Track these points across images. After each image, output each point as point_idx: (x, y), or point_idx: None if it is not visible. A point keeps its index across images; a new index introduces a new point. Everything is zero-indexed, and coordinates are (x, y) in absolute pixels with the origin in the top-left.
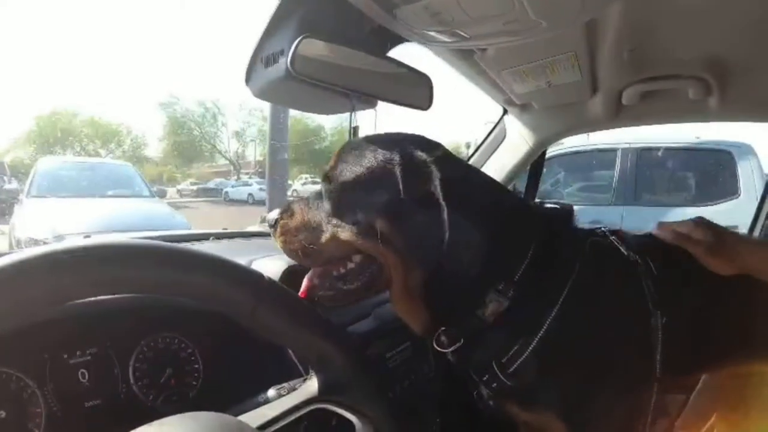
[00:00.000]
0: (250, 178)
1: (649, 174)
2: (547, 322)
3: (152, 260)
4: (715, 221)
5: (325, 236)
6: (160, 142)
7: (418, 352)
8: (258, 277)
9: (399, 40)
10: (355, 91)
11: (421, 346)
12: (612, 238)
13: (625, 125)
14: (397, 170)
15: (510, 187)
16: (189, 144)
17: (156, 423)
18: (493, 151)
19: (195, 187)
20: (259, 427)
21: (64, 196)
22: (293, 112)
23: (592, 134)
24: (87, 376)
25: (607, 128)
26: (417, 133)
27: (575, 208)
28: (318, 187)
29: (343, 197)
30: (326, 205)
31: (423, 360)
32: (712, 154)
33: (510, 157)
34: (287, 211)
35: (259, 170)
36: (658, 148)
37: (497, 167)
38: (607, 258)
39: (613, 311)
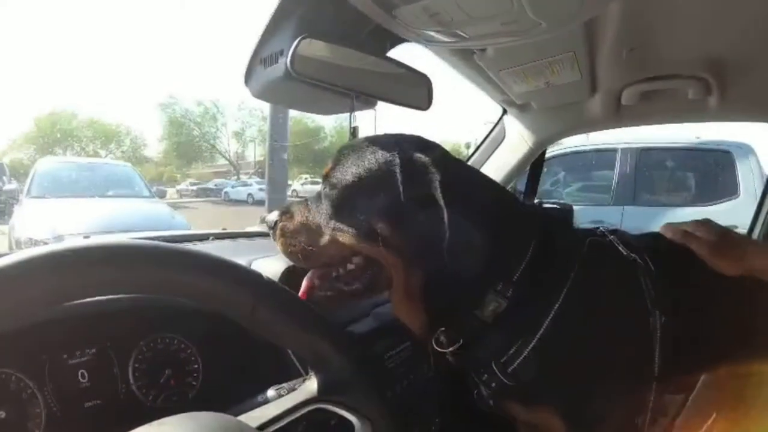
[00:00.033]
0: (249, 178)
1: (649, 174)
2: (546, 322)
3: (152, 261)
4: (714, 221)
5: (324, 238)
6: (159, 142)
7: (418, 352)
8: (257, 277)
9: (398, 40)
10: (355, 92)
11: (421, 346)
12: (611, 237)
13: (625, 125)
14: (397, 172)
15: (510, 188)
16: (188, 144)
17: (155, 423)
18: (493, 152)
19: (195, 188)
20: (258, 427)
21: (63, 196)
22: (293, 113)
23: (591, 134)
24: (86, 377)
25: (606, 128)
26: (416, 133)
27: (575, 208)
28: (318, 187)
29: (343, 199)
30: (325, 207)
31: (422, 360)
32: (711, 154)
33: (509, 157)
34: (286, 212)
35: (259, 170)
36: (657, 148)
37: (497, 167)
38: (605, 257)
39: (612, 310)
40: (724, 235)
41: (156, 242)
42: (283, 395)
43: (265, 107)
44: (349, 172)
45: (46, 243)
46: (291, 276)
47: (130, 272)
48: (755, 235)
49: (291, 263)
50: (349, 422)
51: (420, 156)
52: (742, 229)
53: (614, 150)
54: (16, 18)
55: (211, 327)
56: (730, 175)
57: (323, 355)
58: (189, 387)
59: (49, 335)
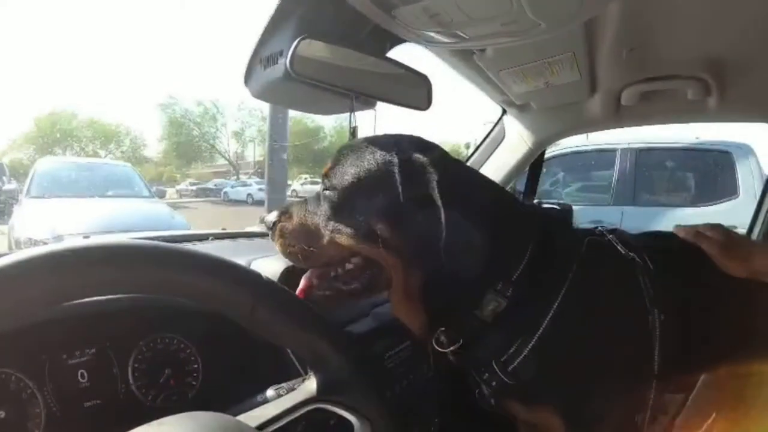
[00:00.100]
0: (249, 178)
1: (648, 174)
2: (546, 322)
3: (151, 260)
4: (713, 221)
5: (323, 239)
6: (159, 142)
7: (417, 352)
8: (257, 277)
9: (398, 40)
10: (355, 92)
11: (420, 346)
12: (609, 237)
13: (625, 125)
14: (395, 172)
15: (509, 188)
16: (188, 144)
17: (155, 423)
18: (492, 152)
19: (194, 188)
20: (257, 426)
21: (63, 196)
22: (292, 113)
23: (591, 134)
24: (86, 376)
25: (606, 128)
26: (415, 134)
27: (574, 208)
28: (317, 187)
29: (342, 200)
30: (324, 208)
31: (421, 360)
32: (711, 154)
33: (509, 157)
34: (285, 213)
35: (259, 170)
36: (657, 149)
37: (496, 167)
38: (604, 256)
39: (611, 309)
40: (733, 236)
41: (155, 242)
42: (282, 395)
43: (265, 107)
44: (348, 173)
45: (45, 243)
46: (290, 276)
47: (129, 272)
48: (755, 234)
49: (290, 263)
50: (349, 422)
51: (418, 156)
52: (742, 229)
53: (614, 150)
54: (16, 18)
55: (210, 327)
56: (730, 176)
57: (322, 355)
58: (189, 387)
59: (49, 335)
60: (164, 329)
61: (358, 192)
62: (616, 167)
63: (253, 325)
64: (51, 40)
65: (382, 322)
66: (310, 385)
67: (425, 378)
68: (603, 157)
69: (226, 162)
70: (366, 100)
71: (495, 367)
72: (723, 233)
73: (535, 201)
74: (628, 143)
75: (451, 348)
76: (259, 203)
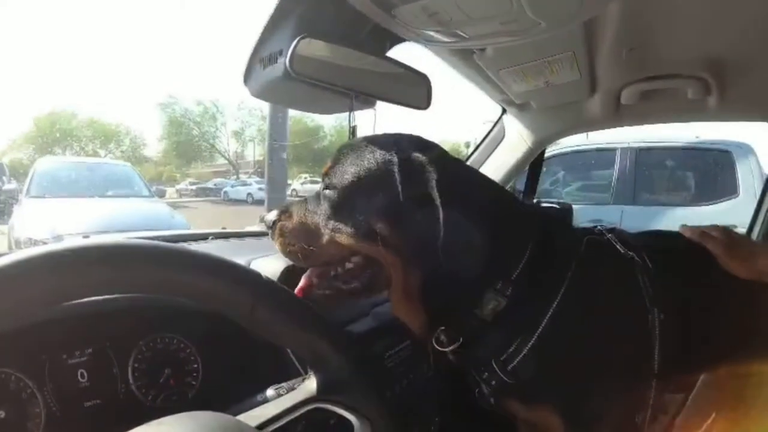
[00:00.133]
0: (249, 177)
1: (648, 173)
2: (545, 321)
3: (151, 260)
4: (713, 220)
5: (323, 238)
6: (159, 142)
7: (417, 351)
8: (256, 276)
9: (398, 39)
10: (354, 91)
11: (420, 346)
12: (608, 236)
13: (624, 125)
14: (395, 171)
15: (509, 187)
16: (188, 144)
17: (155, 422)
18: (492, 151)
19: (194, 187)
20: (257, 426)
21: (63, 196)
22: (292, 112)
23: (591, 133)
24: (86, 376)
25: (606, 128)
26: (414, 133)
27: (574, 207)
28: (317, 186)
29: (341, 199)
30: (324, 207)
31: (421, 359)
32: (711, 153)
33: (509, 156)
34: (285, 212)
35: (259, 170)
36: (657, 148)
37: (496, 167)
38: (603, 256)
39: (610, 308)
40: (737, 237)
41: (155, 242)
42: (282, 395)
43: (265, 107)
44: (347, 172)
45: (45, 243)
46: (290, 275)
47: (128, 272)
48: (755, 234)
49: (290, 263)
50: (349, 422)
51: (418, 155)
52: (742, 229)
53: (614, 149)
54: (16, 18)
55: (210, 327)
56: (730, 175)
57: (322, 355)
58: (188, 387)
59: (49, 335)
60: (164, 329)
61: (358, 191)
62: (616, 166)
63: (253, 324)
64: (51, 40)
65: (382, 321)
66: (310, 385)
67: (425, 378)
68: (603, 156)
69: (226, 161)
70: (366, 99)
71: (494, 366)
72: (727, 234)
73: (535, 200)
74: (628, 142)
75: (451, 347)
76: (259, 203)
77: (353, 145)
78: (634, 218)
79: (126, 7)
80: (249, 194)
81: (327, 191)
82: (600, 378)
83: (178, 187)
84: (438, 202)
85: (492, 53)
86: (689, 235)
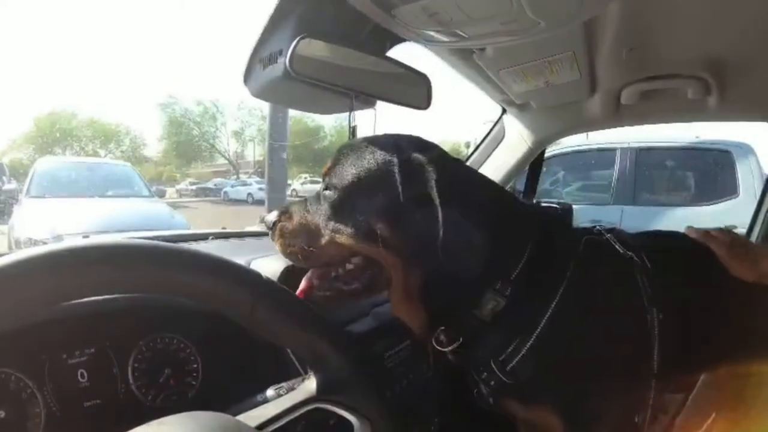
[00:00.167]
0: (249, 177)
1: (648, 173)
2: (543, 321)
3: (151, 260)
4: (713, 221)
5: (323, 239)
6: (159, 142)
7: (417, 351)
8: (256, 276)
9: (398, 39)
10: (354, 91)
11: (420, 346)
12: (607, 236)
13: (624, 125)
14: (395, 172)
15: (509, 187)
16: (188, 144)
17: (155, 422)
18: (492, 151)
19: (194, 187)
20: (257, 426)
21: (63, 196)
22: (292, 112)
23: (591, 133)
24: (86, 376)
25: (606, 128)
26: (413, 133)
27: (574, 207)
28: (318, 187)
29: (342, 200)
30: (325, 208)
31: (421, 359)
32: (711, 153)
33: (509, 156)
34: (285, 213)
35: (259, 170)
36: (657, 148)
37: (496, 167)
38: (602, 256)
39: (608, 308)
40: (742, 240)
41: (155, 242)
42: (282, 395)
43: (265, 107)
44: (347, 173)
45: (45, 243)
46: (290, 275)
47: (128, 272)
48: (754, 234)
49: (290, 263)
50: (348, 422)
51: (417, 156)
52: (742, 229)
53: (614, 149)
54: (16, 18)
55: (210, 327)
56: (730, 175)
57: (322, 355)
58: (188, 387)
59: (49, 335)
60: (164, 329)
61: (358, 192)
62: (616, 166)
63: (253, 324)
64: (51, 39)
65: (382, 321)
66: (309, 385)
67: (425, 378)
68: (603, 156)
69: (226, 161)
70: (366, 99)
71: (493, 366)
72: (731, 236)
73: (535, 200)
74: (628, 142)
75: (451, 347)
76: (259, 203)
77: (353, 145)
78: (634, 218)
79: (126, 7)
80: (249, 194)
81: (327, 192)
82: (599, 378)
83: (178, 187)
84: (437, 202)
85: (492, 53)
86: (694, 236)
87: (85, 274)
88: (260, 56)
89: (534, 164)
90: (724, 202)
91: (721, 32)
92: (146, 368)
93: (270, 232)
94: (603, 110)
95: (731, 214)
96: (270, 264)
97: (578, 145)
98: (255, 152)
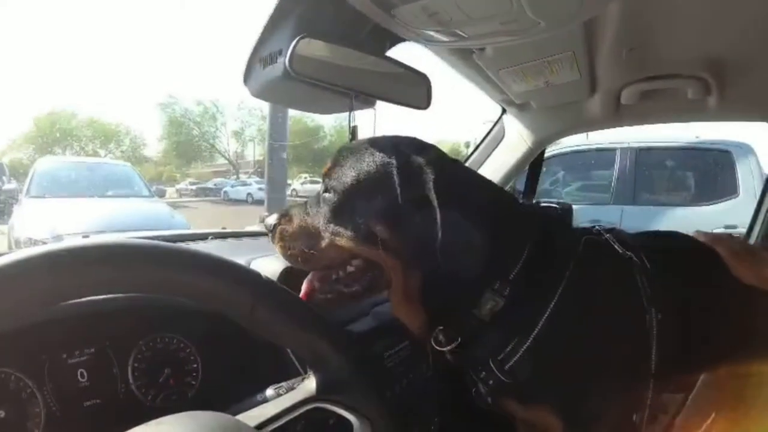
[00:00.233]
0: (249, 177)
1: (648, 173)
2: (542, 321)
3: (151, 260)
4: (713, 221)
5: (323, 241)
6: (159, 142)
7: (417, 351)
8: (256, 276)
9: (397, 39)
10: (354, 91)
11: (420, 346)
12: (606, 236)
13: (624, 124)
14: (394, 174)
15: (509, 187)
16: (188, 144)
17: (154, 422)
18: (492, 151)
19: (194, 187)
20: (257, 426)
21: (62, 196)
22: (292, 112)
23: (591, 133)
24: (86, 376)
25: (606, 128)
26: (413, 135)
27: (574, 207)
28: (318, 187)
29: (341, 202)
30: (324, 210)
31: (421, 359)
32: (711, 153)
33: (509, 156)
34: (285, 216)
35: (258, 170)
36: (657, 148)
37: (496, 167)
38: (601, 256)
39: (607, 308)
40: (747, 244)
41: (155, 242)
42: (281, 394)
43: (265, 106)
44: (347, 176)
45: (45, 243)
46: (289, 275)
47: (128, 272)
48: (754, 234)
49: None
50: (348, 421)
51: (416, 158)
52: (742, 229)
53: (614, 149)
54: (16, 18)
55: (210, 327)
56: (730, 175)
57: (322, 355)
58: (188, 386)
59: (49, 335)
60: (164, 329)
61: (357, 194)
62: (616, 166)
63: (253, 324)
64: (51, 39)
65: (381, 321)
66: (309, 385)
67: (425, 377)
68: (603, 156)
69: (226, 161)
70: (365, 99)
71: (492, 365)
72: (738, 240)
73: (535, 200)
74: (628, 142)
75: (450, 347)
76: (259, 202)
77: (352, 148)
78: (634, 218)
79: (126, 7)
80: (249, 194)
81: (326, 195)
82: (598, 378)
83: (178, 187)
84: (435, 204)
85: (492, 53)
86: (703, 240)
87: (84, 274)
88: (260, 56)
89: (534, 164)
90: (724, 202)
91: (721, 32)
92: (146, 368)
93: (270, 235)
94: (603, 110)
95: (731, 214)
96: (270, 264)
97: (578, 145)
98: (255, 152)
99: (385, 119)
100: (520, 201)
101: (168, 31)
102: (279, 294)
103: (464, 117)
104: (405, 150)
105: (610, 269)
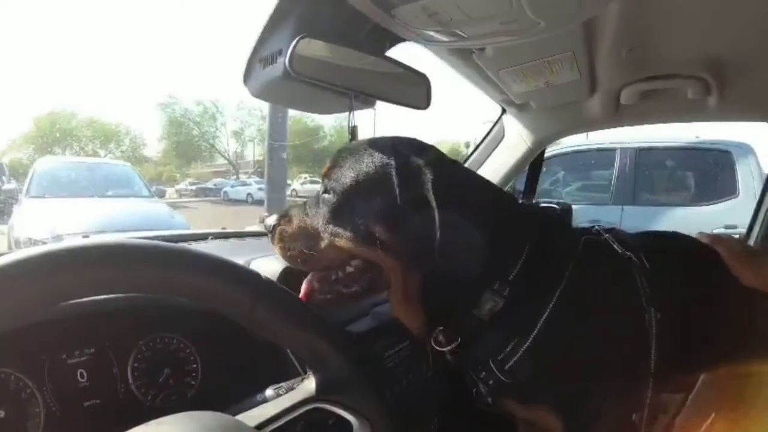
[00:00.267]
0: (249, 177)
1: (648, 173)
2: (542, 320)
3: (150, 260)
4: (713, 221)
5: (323, 242)
6: (159, 142)
7: (417, 351)
8: (256, 277)
9: (397, 39)
10: (354, 91)
11: (419, 346)
12: (606, 236)
13: (624, 125)
14: (393, 175)
15: (509, 187)
16: (188, 144)
17: (154, 422)
18: (492, 151)
19: (194, 187)
20: (256, 426)
21: (62, 196)
22: (292, 112)
23: (591, 133)
24: (86, 376)
25: (606, 128)
26: (411, 135)
27: (574, 207)
28: (317, 187)
29: (341, 203)
30: (324, 211)
31: (421, 360)
32: (711, 153)
33: (508, 156)
34: (285, 216)
35: (258, 170)
36: (657, 148)
37: (496, 167)
38: (600, 256)
39: (607, 308)
40: (749, 246)
41: (155, 242)
42: (281, 395)
43: (265, 107)
44: (346, 176)
45: (45, 243)
46: (289, 276)
47: (128, 272)
48: (754, 234)
49: None
50: (348, 422)
51: (415, 158)
52: (742, 229)
53: (613, 149)
54: (15, 18)
55: (210, 327)
56: (730, 175)
57: (321, 355)
58: (188, 386)
59: (49, 335)
60: (164, 329)
61: (357, 195)
62: (616, 166)
63: (253, 324)
64: (51, 39)
65: (381, 321)
66: (309, 385)
67: (425, 378)
68: (603, 156)
69: (226, 161)
70: (365, 99)
71: (492, 365)
72: (740, 242)
73: (535, 200)
74: (628, 142)
75: (449, 347)
76: (259, 203)
77: (351, 148)
78: (634, 218)
79: (126, 7)
80: (249, 194)
81: (326, 195)
82: (597, 378)
83: (178, 187)
84: (434, 204)
85: (492, 53)
86: (705, 241)
87: (84, 274)
88: (260, 56)
89: (534, 164)
90: (724, 202)
91: (721, 32)
92: (146, 368)
93: (270, 236)
94: (603, 110)
95: (731, 214)
96: (269, 264)
97: (578, 145)
98: (255, 152)
99: (385, 119)
100: (520, 201)
101: (168, 31)
102: (278, 294)
103: (464, 117)
104: (404, 151)
105: (610, 269)
